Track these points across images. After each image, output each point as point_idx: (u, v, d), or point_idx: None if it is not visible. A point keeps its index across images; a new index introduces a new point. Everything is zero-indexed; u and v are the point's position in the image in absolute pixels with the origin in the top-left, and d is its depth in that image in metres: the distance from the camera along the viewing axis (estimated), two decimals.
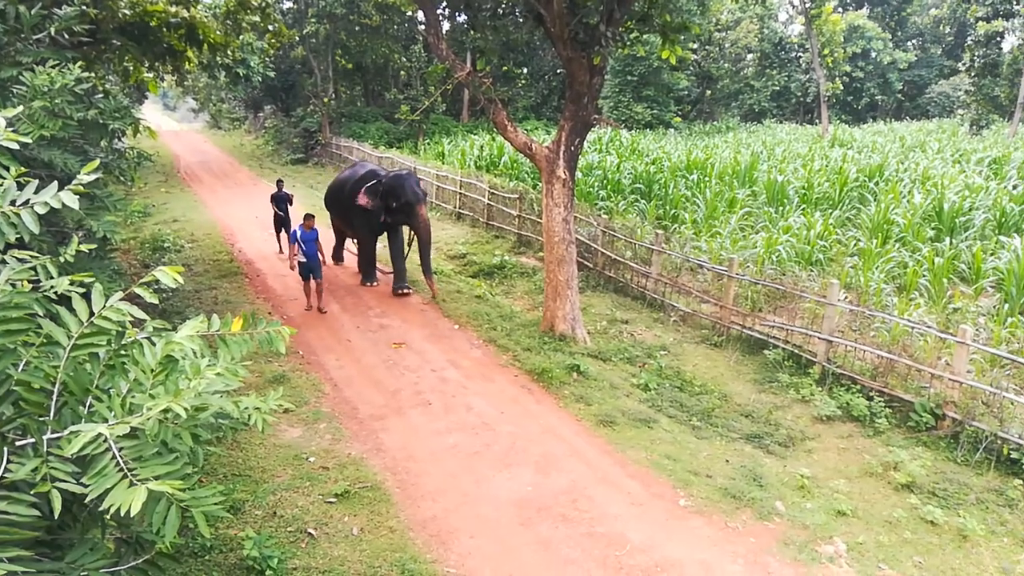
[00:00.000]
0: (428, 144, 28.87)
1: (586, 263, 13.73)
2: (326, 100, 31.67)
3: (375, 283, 13.39)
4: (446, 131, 31.27)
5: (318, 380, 9.23)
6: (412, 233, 12.86)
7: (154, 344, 2.71)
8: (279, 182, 16.09)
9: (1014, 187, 16.95)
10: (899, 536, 6.38)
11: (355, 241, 14.28)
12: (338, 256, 15.08)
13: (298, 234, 11.42)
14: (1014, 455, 7.27)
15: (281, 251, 15.84)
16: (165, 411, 2.37)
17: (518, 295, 13.19)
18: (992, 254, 12.77)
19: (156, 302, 2.96)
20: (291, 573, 5.58)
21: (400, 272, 12.96)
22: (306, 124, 32.42)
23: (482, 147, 24.45)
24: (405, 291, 12.78)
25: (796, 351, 9.83)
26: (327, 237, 14.05)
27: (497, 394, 8.98)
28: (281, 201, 15.51)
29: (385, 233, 13.15)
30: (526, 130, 11.03)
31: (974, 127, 32.54)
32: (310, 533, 6.10)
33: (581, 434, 8.06)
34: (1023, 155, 22.12)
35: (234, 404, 2.95)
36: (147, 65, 13.11)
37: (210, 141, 42.94)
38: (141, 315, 2.74)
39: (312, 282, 11.78)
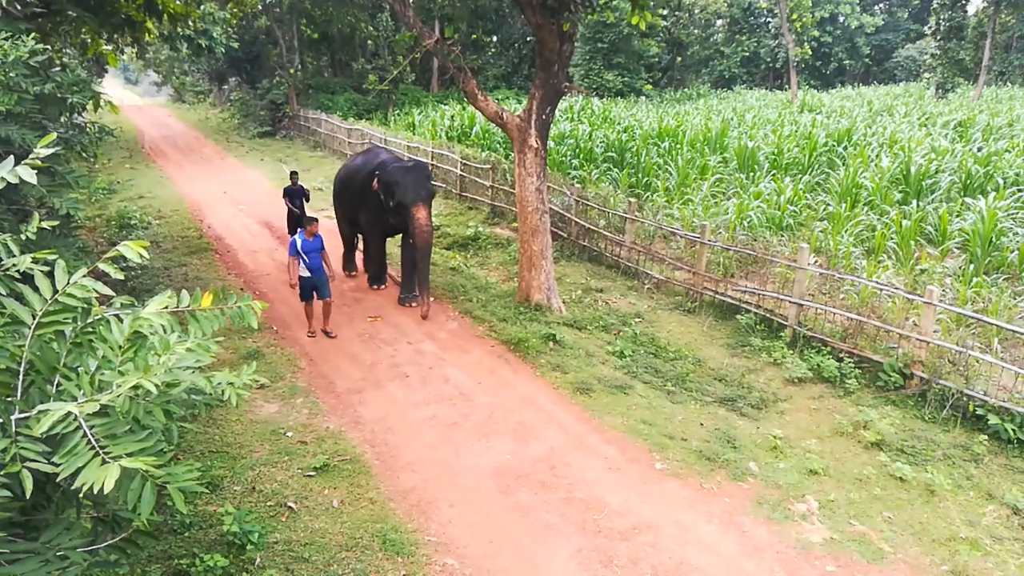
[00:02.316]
0: (398, 115, 28.51)
1: (560, 233, 13.73)
2: (292, 71, 31.06)
3: (383, 286, 11.81)
4: (416, 102, 30.88)
5: (293, 355, 9.18)
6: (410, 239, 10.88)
7: (121, 321, 2.66)
8: (293, 174, 13.53)
9: (979, 149, 17.20)
10: (869, 493, 6.55)
11: (359, 239, 12.57)
12: (350, 264, 12.65)
13: (298, 243, 9.22)
14: (979, 412, 7.46)
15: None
16: (135, 388, 2.33)
17: (493, 266, 13.17)
18: (958, 215, 13.00)
19: (122, 278, 2.90)
20: (272, 547, 5.59)
21: (408, 280, 11.12)
22: (272, 96, 31.80)
23: (453, 117, 24.20)
24: (412, 303, 10.93)
25: (768, 315, 9.96)
26: (332, 244, 11.53)
27: (474, 365, 9.00)
28: (296, 196, 13.14)
29: (400, 235, 11.55)
30: (497, 99, 10.77)
31: (940, 91, 32.86)
32: (290, 507, 6.10)
33: (558, 402, 8.13)
34: (987, 118, 22.44)
35: (207, 379, 2.91)
36: (105, 37, 12.72)
37: (174, 115, 41.98)
38: (107, 291, 2.69)
39: (315, 303, 9.70)
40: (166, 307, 3.18)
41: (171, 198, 18.71)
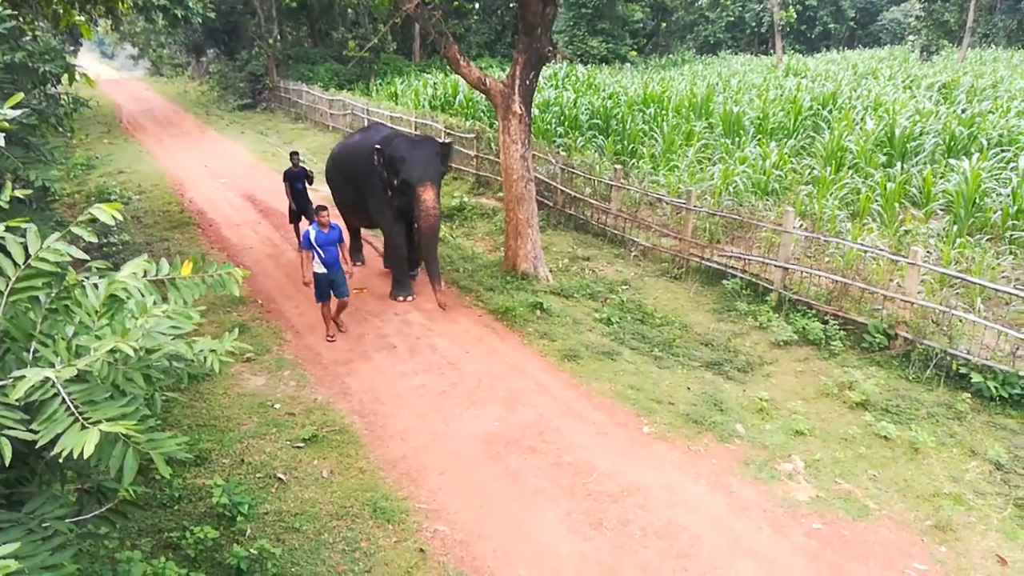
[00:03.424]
0: (380, 85, 28.11)
1: (546, 202, 13.65)
2: (271, 42, 30.49)
3: (411, 296, 10.03)
4: (398, 71, 30.44)
5: (279, 328, 9.12)
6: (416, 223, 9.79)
7: (96, 286, 2.60)
8: (293, 155, 12.07)
9: (963, 111, 17.19)
10: (854, 452, 6.62)
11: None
12: (356, 254, 11.38)
13: (312, 235, 8.19)
14: (962, 370, 7.52)
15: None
16: (113, 352, 2.29)
17: (479, 236, 13.11)
18: (942, 177, 13.02)
19: (96, 241, 2.84)
20: (262, 518, 5.59)
21: (430, 270, 9.89)
22: (252, 68, 31.24)
23: (436, 86, 23.90)
24: (407, 298, 9.97)
25: (753, 280, 9.98)
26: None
27: (462, 334, 8.99)
28: (297, 179, 11.73)
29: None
30: (480, 67, 10.54)
31: (924, 53, 32.79)
32: (280, 478, 6.10)
33: (546, 369, 8.14)
34: (971, 79, 22.42)
35: (188, 346, 2.87)
36: (78, 7, 12.39)
37: (152, 89, 41.23)
38: (80, 255, 2.62)
39: (333, 302, 8.79)
40: (144, 273, 3.13)
41: (151, 173, 18.44)
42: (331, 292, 8.58)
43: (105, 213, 2.62)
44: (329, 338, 8.78)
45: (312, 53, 32.89)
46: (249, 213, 14.58)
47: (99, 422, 2.30)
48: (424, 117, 18.97)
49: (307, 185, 11.84)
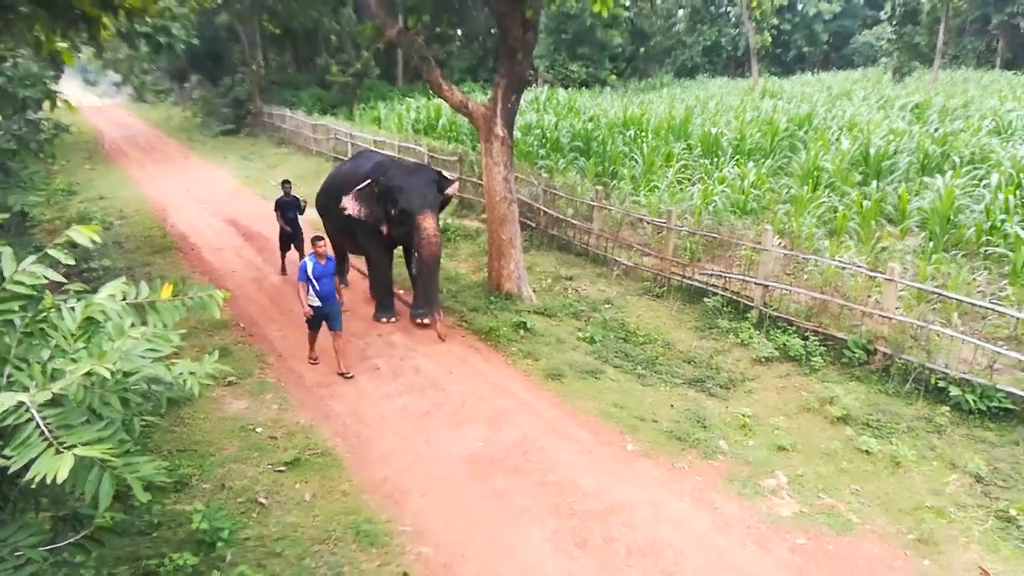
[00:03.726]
0: (363, 109, 28.23)
1: (529, 222, 13.72)
2: (255, 68, 30.58)
3: (394, 318, 10.01)
4: (381, 96, 30.59)
5: (261, 351, 9.07)
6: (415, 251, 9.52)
7: (73, 309, 2.60)
8: (285, 183, 11.88)
9: (935, 130, 17.50)
10: (836, 466, 6.66)
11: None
12: (341, 278, 10.60)
13: (309, 268, 7.91)
14: (941, 384, 7.61)
15: (285, 271, 12.02)
16: (89, 375, 2.28)
17: (462, 257, 13.13)
18: (916, 195, 13.22)
19: (74, 263, 2.84)
20: (243, 543, 5.53)
21: (421, 296, 9.80)
22: (235, 93, 31.27)
23: (419, 110, 24.04)
24: (425, 320, 9.69)
25: (734, 297, 10.06)
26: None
27: (445, 355, 8.98)
28: (289, 208, 11.57)
29: (401, 247, 10.28)
30: (463, 92, 10.64)
31: (897, 74, 33.43)
32: (261, 502, 6.04)
33: (530, 389, 8.14)
34: (943, 100, 22.87)
35: (166, 368, 2.86)
36: (60, 34, 12.39)
37: (135, 115, 41.18)
38: (57, 277, 2.62)
39: (330, 335, 8.39)
40: (123, 296, 3.13)
41: (133, 198, 18.37)
42: (324, 323, 8.30)
43: (83, 235, 2.63)
44: (312, 360, 8.70)
45: (296, 78, 33.02)
46: (232, 237, 14.54)
47: (74, 446, 2.29)
48: (407, 140, 19.06)
49: (299, 215, 11.66)
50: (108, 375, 2.30)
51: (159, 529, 5.64)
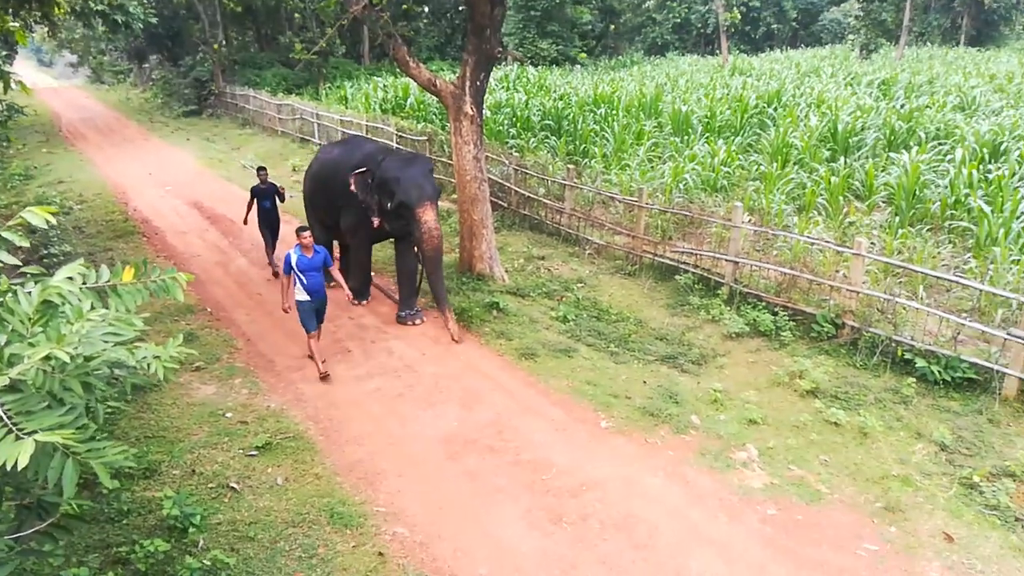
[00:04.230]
0: (329, 89, 27.80)
1: (500, 202, 13.66)
2: (216, 47, 29.88)
3: (367, 300, 9.86)
4: (347, 75, 30.15)
5: (229, 336, 8.94)
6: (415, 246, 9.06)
7: (30, 292, 2.51)
8: (260, 170, 11.04)
9: (901, 106, 17.73)
10: (806, 438, 6.76)
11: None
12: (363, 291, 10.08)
13: (294, 260, 7.48)
14: (907, 356, 7.74)
15: (276, 273, 10.64)
16: (48, 359, 2.21)
17: None
18: (883, 170, 13.40)
19: (30, 246, 2.74)
20: (215, 528, 5.47)
21: (409, 294, 9.35)
22: (196, 73, 30.57)
23: (386, 89, 23.74)
24: (415, 320, 9.25)
25: (705, 274, 10.13)
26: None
27: (417, 336, 8.93)
28: (265, 196, 10.75)
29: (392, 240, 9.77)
30: (431, 70, 10.35)
31: (864, 51, 33.73)
32: (233, 487, 5.97)
33: (503, 368, 8.14)
34: (909, 76, 23.16)
35: (129, 352, 2.78)
36: (11, 12, 11.97)
37: (93, 97, 40.11)
38: (12, 260, 2.52)
39: (320, 332, 8.06)
40: (84, 282, 3.03)
41: (93, 182, 17.92)
42: (318, 321, 7.86)
43: (38, 216, 2.53)
44: (322, 376, 7.82)
45: (259, 58, 32.40)
46: (196, 220, 14.27)
47: (35, 432, 2.21)
48: (375, 120, 18.82)
49: (279, 202, 10.91)
50: (68, 359, 2.23)
51: (129, 516, 5.57)
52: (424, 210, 8.68)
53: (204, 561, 4.88)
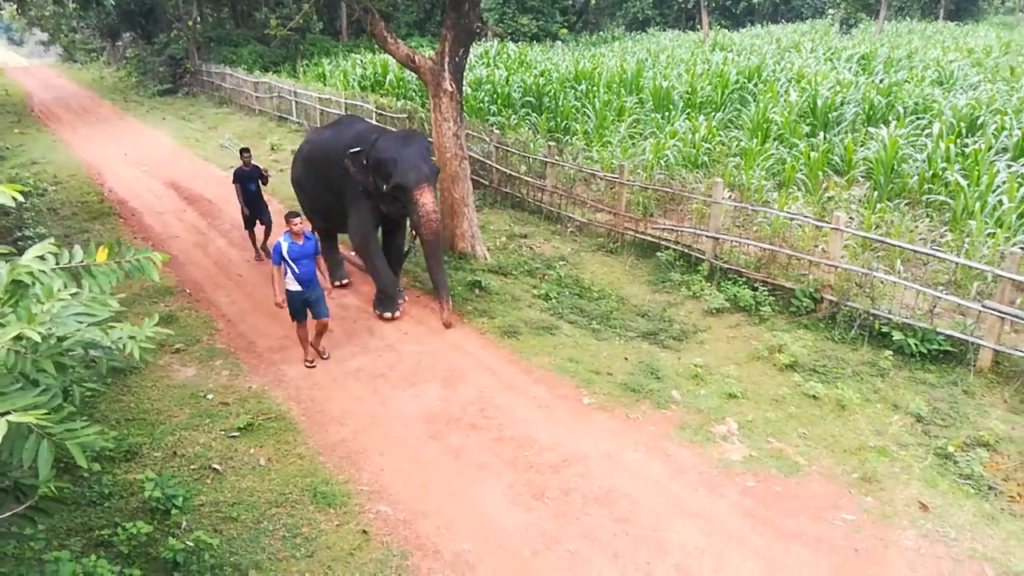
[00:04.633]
0: (307, 66, 27.41)
1: (481, 180, 13.59)
2: (191, 24, 29.35)
3: (398, 312, 8.82)
4: (325, 52, 29.73)
5: (209, 317, 8.87)
6: (412, 230, 8.75)
7: None
8: (244, 152, 10.66)
9: (880, 81, 17.79)
10: (785, 411, 6.85)
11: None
12: (337, 271, 9.76)
13: (284, 248, 7.10)
14: (884, 329, 7.85)
15: (259, 255, 10.67)
16: (19, 339, 2.17)
17: None
18: (862, 145, 13.47)
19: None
20: (198, 509, 5.47)
21: (436, 282, 8.75)
22: (171, 51, 30.04)
23: (365, 66, 23.46)
24: (396, 314, 8.78)
25: (686, 251, 10.17)
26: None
27: (399, 316, 8.90)
28: (250, 179, 10.36)
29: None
30: (410, 46, 10.13)
31: (844, 26, 33.78)
32: (215, 468, 5.96)
33: (486, 347, 8.14)
34: (888, 51, 23.23)
35: (103, 332, 2.75)
36: None
37: (65, 76, 39.32)
38: None
39: (311, 322, 7.63)
40: (56, 260, 2.99)
41: (67, 163, 17.61)
42: (308, 312, 7.49)
43: (5, 194, 2.48)
44: (308, 363, 7.66)
45: (235, 35, 31.82)
46: (173, 201, 14.09)
47: (7, 413, 2.19)
48: (354, 98, 18.61)
49: (262, 186, 10.51)
50: (39, 339, 2.19)
51: (111, 499, 5.56)
52: (422, 192, 8.24)
53: (187, 542, 4.88)
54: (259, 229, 10.70)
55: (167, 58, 30.30)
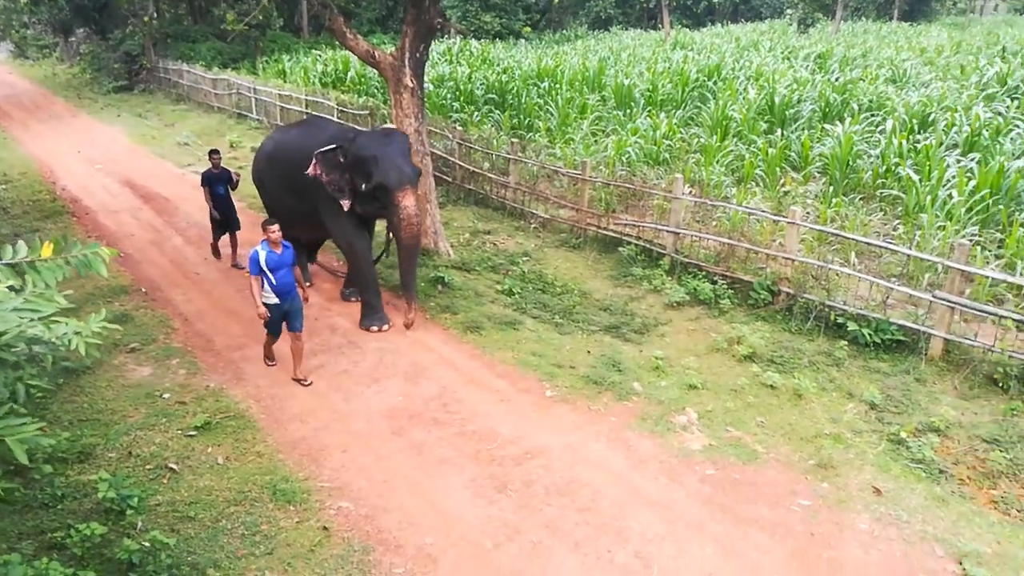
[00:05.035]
0: (267, 63, 27.04)
1: (444, 177, 13.55)
2: (146, 19, 28.59)
3: (386, 326, 8.41)
4: (286, 48, 29.35)
5: (166, 316, 8.70)
6: (389, 232, 8.45)
7: None
8: (213, 154, 10.14)
9: (836, 79, 18.15)
10: (743, 401, 6.95)
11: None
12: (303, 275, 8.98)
13: (261, 258, 6.69)
14: (840, 320, 8.01)
15: (218, 253, 10.43)
16: None
17: None
18: (818, 141, 13.71)
19: None
20: (154, 510, 5.37)
21: (406, 285, 8.52)
22: (126, 47, 29.35)
23: (326, 62, 23.22)
24: (382, 327, 8.38)
25: (647, 246, 10.27)
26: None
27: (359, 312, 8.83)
28: (218, 182, 9.91)
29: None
30: (372, 43, 10.01)
31: (801, 26, 34.39)
32: (172, 468, 5.86)
33: (449, 342, 8.13)
34: (844, 50, 23.70)
35: (45, 326, 2.68)
36: None
37: (16, 73, 38.20)
38: None
39: (288, 336, 7.18)
40: None
41: (18, 161, 17.14)
42: (285, 324, 7.08)
43: None
44: (269, 362, 7.49)
45: (192, 31, 31.24)
46: (129, 199, 13.79)
47: None
48: (315, 94, 18.41)
49: (230, 189, 10.04)
50: None
51: (63, 501, 5.43)
52: (404, 194, 7.87)
53: (143, 543, 4.78)
54: (224, 241, 10.23)
55: (122, 54, 29.62)
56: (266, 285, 6.79)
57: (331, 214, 8.30)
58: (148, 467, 5.87)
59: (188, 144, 18.14)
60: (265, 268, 6.73)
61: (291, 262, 6.93)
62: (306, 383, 7.19)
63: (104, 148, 18.42)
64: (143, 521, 5.18)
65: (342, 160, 8.05)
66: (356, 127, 10.42)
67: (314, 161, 7.92)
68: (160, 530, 5.00)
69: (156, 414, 6.59)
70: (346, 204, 8.10)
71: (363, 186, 7.96)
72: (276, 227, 6.79)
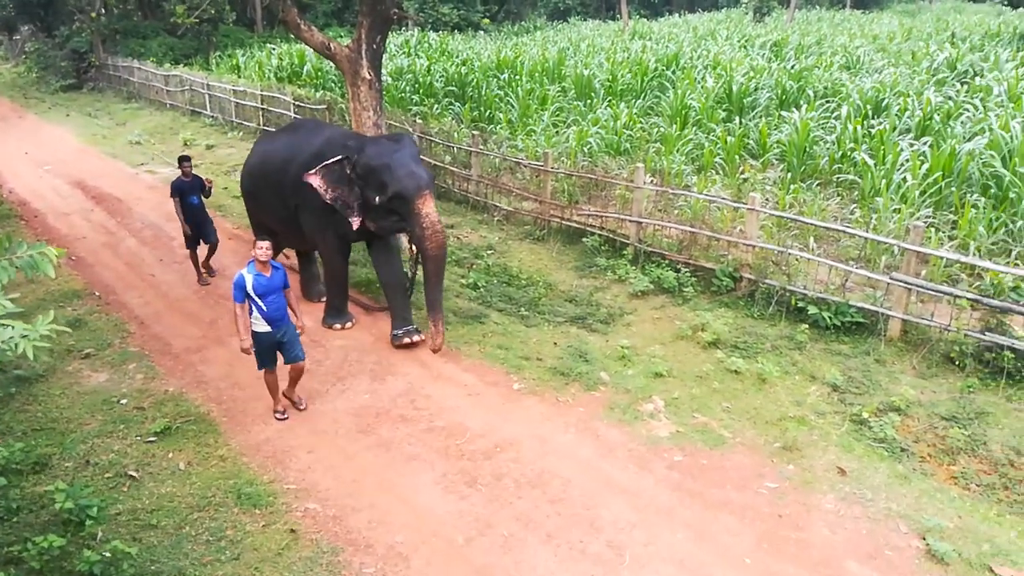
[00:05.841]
0: (220, 58, 26.48)
1: None
2: (94, 15, 27.87)
3: (350, 323, 8.26)
4: (240, 43, 28.73)
5: (121, 320, 8.48)
6: (412, 246, 7.90)
7: None
8: (183, 161, 9.30)
9: (792, 66, 18.38)
10: (709, 387, 7.01)
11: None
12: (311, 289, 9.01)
13: (248, 283, 5.91)
14: (800, 304, 8.11)
15: (203, 278, 9.54)
16: None
17: None
18: (776, 128, 13.87)
19: None
20: (115, 519, 5.23)
21: (401, 309, 7.92)
22: (74, 45, 28.50)
23: (281, 57, 22.83)
24: (412, 337, 7.75)
25: (611, 236, 10.29)
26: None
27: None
28: (190, 191, 9.16)
29: (365, 243, 8.35)
30: (329, 36, 9.82)
31: (757, 14, 34.79)
32: (132, 475, 5.72)
33: None
34: (799, 38, 24.04)
35: None
36: None
37: None
38: None
39: (284, 368, 6.43)
40: None
41: None
42: (279, 354, 6.31)
43: None
44: (279, 415, 6.48)
45: (143, 27, 30.46)
46: (80, 201, 13.40)
47: None
48: (271, 89, 18.09)
49: (203, 198, 9.34)
50: None
51: (19, 514, 5.28)
52: (424, 201, 7.26)
53: (104, 553, 4.64)
54: (202, 250, 9.55)
55: (70, 52, 28.75)
56: (255, 312, 6.03)
57: (314, 223, 7.84)
58: (107, 475, 5.71)
59: (140, 143, 17.71)
60: (252, 294, 5.95)
61: (280, 286, 6.13)
62: (301, 407, 6.61)
63: (53, 149, 17.89)
64: (103, 531, 5.04)
65: (350, 172, 7.42)
66: (345, 129, 9.69)
67: (316, 174, 7.33)
68: (121, 539, 4.87)
69: (114, 421, 6.42)
70: (356, 222, 7.44)
71: (376, 199, 7.31)
72: (266, 245, 6.02)
